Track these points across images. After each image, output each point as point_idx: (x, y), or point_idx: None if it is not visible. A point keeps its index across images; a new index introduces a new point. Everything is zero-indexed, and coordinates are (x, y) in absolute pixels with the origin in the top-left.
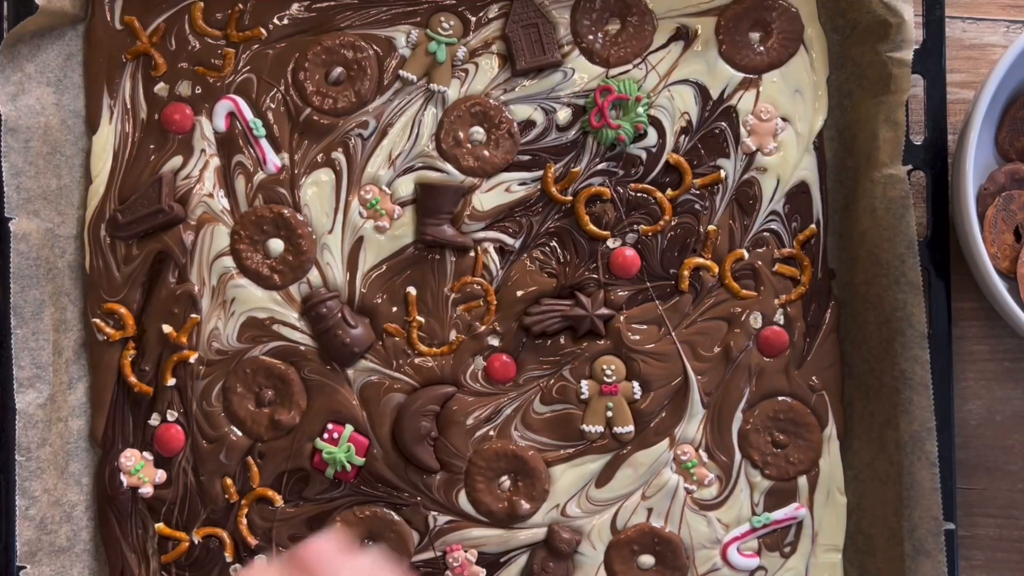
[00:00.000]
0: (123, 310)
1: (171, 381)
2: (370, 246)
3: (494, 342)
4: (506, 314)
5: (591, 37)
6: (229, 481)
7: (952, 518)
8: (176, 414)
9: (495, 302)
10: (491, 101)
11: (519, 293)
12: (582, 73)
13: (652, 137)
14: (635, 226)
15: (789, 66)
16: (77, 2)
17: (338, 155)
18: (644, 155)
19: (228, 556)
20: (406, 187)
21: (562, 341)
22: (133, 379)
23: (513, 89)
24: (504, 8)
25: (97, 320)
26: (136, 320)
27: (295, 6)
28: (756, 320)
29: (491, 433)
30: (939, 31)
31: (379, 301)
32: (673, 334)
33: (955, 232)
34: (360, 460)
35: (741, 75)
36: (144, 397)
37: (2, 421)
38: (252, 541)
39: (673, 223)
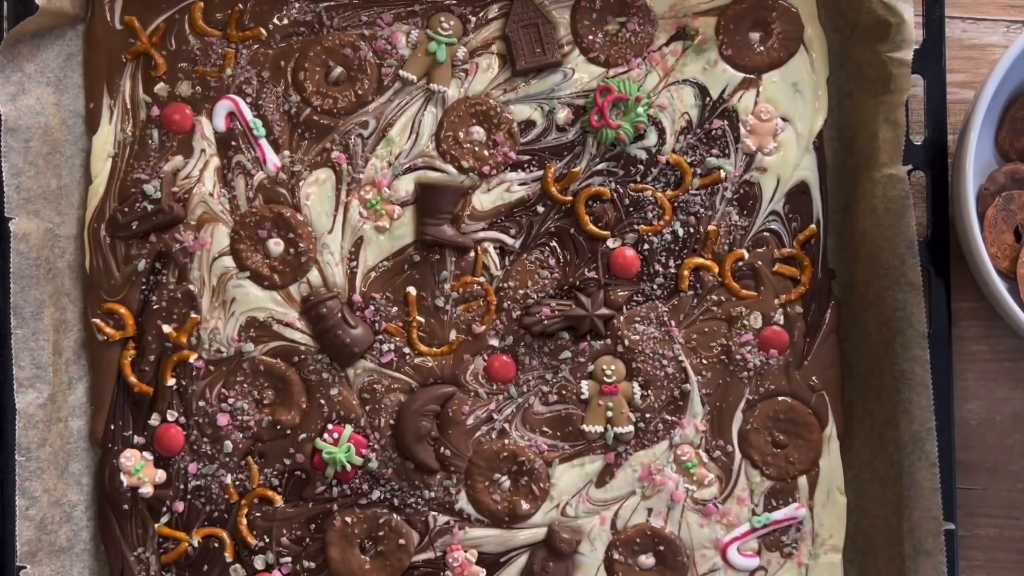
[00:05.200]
0: (123, 310)
1: (171, 381)
2: (370, 246)
3: (494, 342)
4: (506, 314)
5: (591, 37)
6: (229, 481)
7: (952, 518)
8: (176, 414)
9: (495, 302)
10: (491, 101)
11: (519, 293)
12: (582, 73)
13: (652, 137)
14: (635, 226)
15: (789, 66)
16: (77, 2)
17: (338, 155)
18: (644, 155)
19: (228, 556)
20: (406, 187)
21: (562, 341)
22: (133, 379)
23: (513, 89)
24: (504, 8)
25: (97, 320)
26: (136, 320)
27: (295, 6)
28: (756, 320)
29: (491, 433)
30: (939, 31)
31: (380, 301)
32: (673, 334)
33: (955, 232)
34: (360, 460)
35: (741, 75)
36: (144, 397)
37: (2, 421)
38: (252, 541)
39: (673, 223)
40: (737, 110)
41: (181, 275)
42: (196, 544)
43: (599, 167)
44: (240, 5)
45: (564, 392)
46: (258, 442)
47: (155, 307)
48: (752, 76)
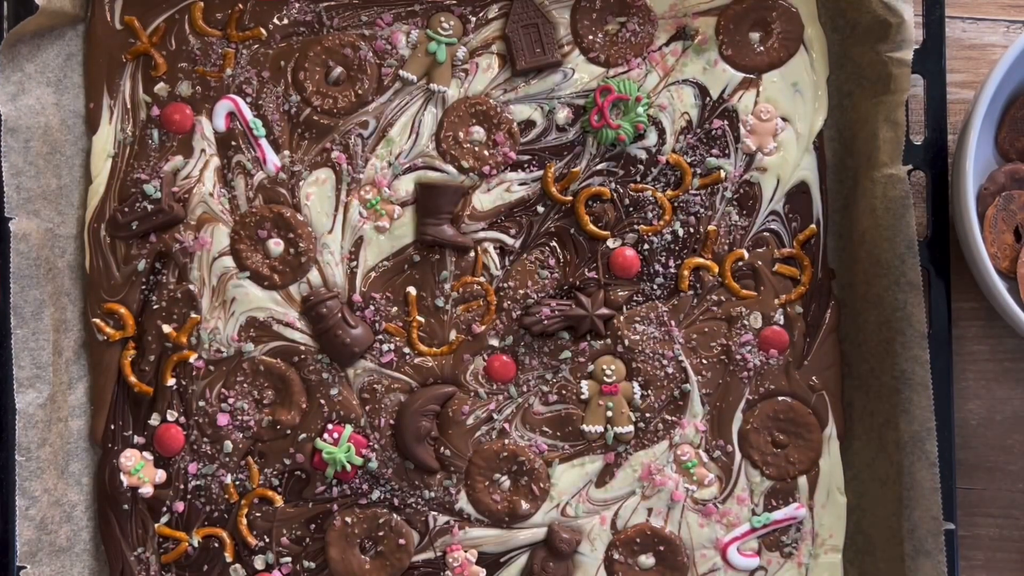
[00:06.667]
0: (123, 310)
1: (171, 381)
2: (370, 246)
3: (494, 342)
4: (506, 314)
5: (591, 37)
6: (229, 481)
7: (952, 518)
8: (176, 414)
9: (495, 302)
10: (491, 101)
11: (519, 293)
12: (582, 73)
13: (652, 137)
14: (635, 226)
15: (789, 66)
16: (77, 2)
17: (338, 155)
18: (644, 155)
19: (228, 556)
20: (406, 187)
21: (562, 341)
22: (133, 379)
23: (513, 89)
24: (504, 8)
25: (97, 320)
26: (136, 320)
27: (295, 6)
28: (756, 320)
29: (491, 433)
30: (939, 31)
31: (379, 301)
32: (673, 334)
33: (955, 232)
34: (360, 460)
35: (741, 75)
36: (144, 397)
37: (2, 421)
38: (252, 541)
39: (673, 223)
40: (737, 110)
41: (181, 275)
42: (196, 544)
43: (599, 167)
44: (240, 5)
45: (564, 392)
46: (258, 442)
47: (155, 307)
48: (752, 76)
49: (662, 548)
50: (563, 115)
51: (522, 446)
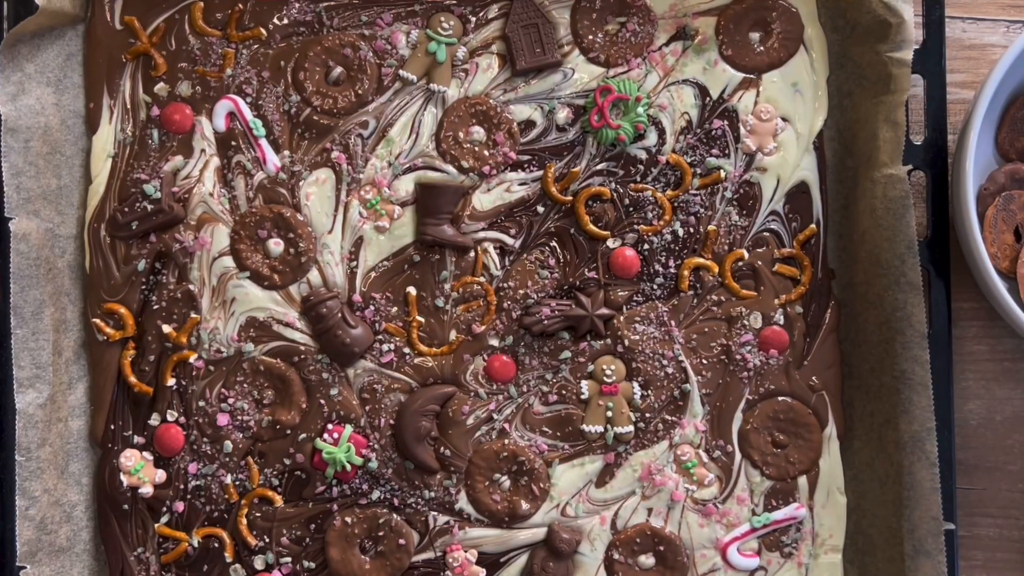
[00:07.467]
0: (123, 310)
1: (171, 381)
2: (370, 246)
3: (494, 342)
4: (506, 314)
5: (591, 37)
6: (229, 481)
7: (952, 518)
8: (176, 414)
9: (495, 302)
10: (491, 101)
11: (519, 293)
12: (582, 73)
13: (652, 137)
14: (635, 226)
15: (789, 66)
16: (77, 2)
17: (338, 155)
18: (644, 155)
19: (228, 556)
20: (406, 187)
21: (562, 341)
22: (133, 379)
23: (513, 89)
24: (504, 8)
25: (97, 320)
26: (136, 320)
27: (295, 6)
28: (756, 320)
29: (491, 433)
30: (939, 31)
31: (380, 301)
32: (673, 334)
33: (955, 232)
34: (360, 460)
35: (741, 75)
36: (144, 397)
37: (2, 421)
38: (252, 541)
39: (673, 223)
40: (737, 110)
41: (181, 275)
42: (196, 544)
43: (599, 167)
44: (240, 5)
45: (564, 392)
46: (258, 442)
47: (155, 307)
48: (752, 76)
49: (662, 548)
50: (563, 115)
51: (522, 446)
